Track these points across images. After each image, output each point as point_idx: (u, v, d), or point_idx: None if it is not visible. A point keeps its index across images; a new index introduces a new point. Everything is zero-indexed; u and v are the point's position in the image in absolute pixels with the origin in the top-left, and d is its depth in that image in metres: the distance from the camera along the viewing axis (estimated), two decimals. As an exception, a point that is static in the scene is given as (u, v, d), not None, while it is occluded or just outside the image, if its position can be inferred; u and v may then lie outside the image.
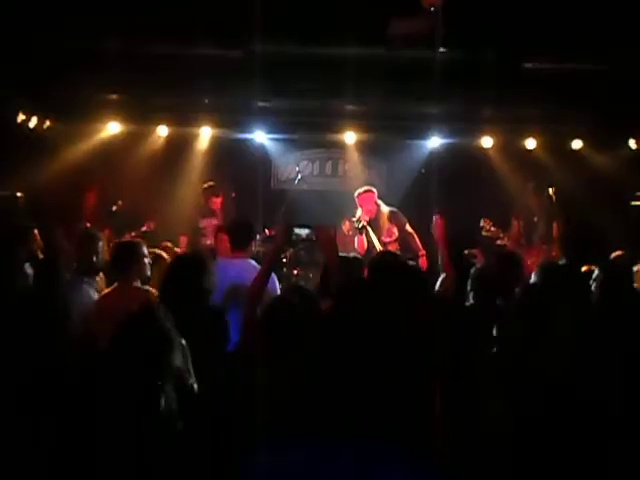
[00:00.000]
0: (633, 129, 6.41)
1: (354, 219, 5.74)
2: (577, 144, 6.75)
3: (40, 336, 2.25)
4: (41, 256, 3.93)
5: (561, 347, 2.38)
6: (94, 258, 3.43)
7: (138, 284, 3.20)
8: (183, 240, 6.23)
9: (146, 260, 3.30)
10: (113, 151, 6.67)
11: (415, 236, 5.74)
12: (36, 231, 4.05)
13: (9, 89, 5.44)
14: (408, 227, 5.75)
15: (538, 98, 5.67)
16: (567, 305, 2.95)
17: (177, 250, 4.91)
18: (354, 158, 7.47)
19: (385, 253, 4.30)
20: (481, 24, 4.87)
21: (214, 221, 6.26)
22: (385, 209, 5.77)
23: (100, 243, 3.51)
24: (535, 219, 6.36)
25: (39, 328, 2.32)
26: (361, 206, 5.71)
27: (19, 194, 5.76)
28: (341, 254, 3.54)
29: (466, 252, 5.40)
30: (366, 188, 5.83)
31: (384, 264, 2.93)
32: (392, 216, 5.74)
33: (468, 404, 2.20)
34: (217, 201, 6.45)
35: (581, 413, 2.11)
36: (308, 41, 5.26)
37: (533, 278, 3.37)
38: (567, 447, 2.11)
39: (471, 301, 3.26)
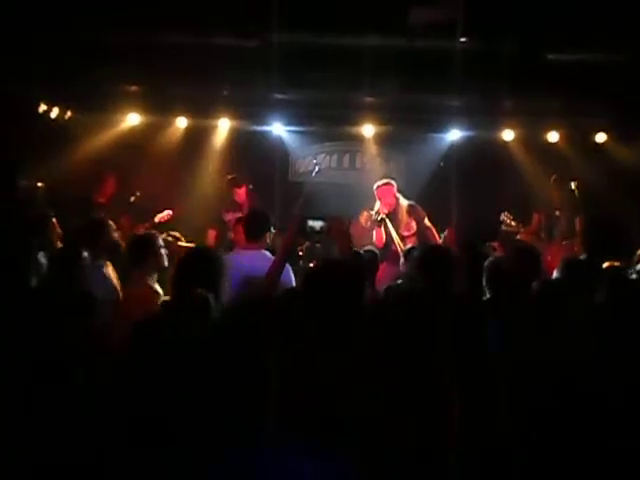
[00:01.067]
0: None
1: (373, 211, 5.71)
2: (601, 137, 6.61)
3: (53, 325, 2.27)
4: (60, 245, 3.98)
5: (577, 343, 2.33)
6: (104, 244, 3.49)
7: (154, 278, 3.24)
8: (212, 233, 6.23)
9: (163, 251, 3.34)
10: (133, 142, 6.72)
11: (434, 230, 5.68)
12: (54, 220, 4.09)
13: (31, 80, 5.51)
14: (427, 221, 5.69)
15: (561, 90, 5.56)
16: (584, 300, 2.90)
17: (181, 242, 4.95)
18: (372, 151, 7.41)
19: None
20: (503, 14, 4.77)
21: (239, 214, 6.19)
22: (404, 202, 5.72)
23: (109, 229, 3.57)
24: (557, 213, 6.25)
25: (54, 317, 2.35)
26: (380, 199, 5.67)
27: (39, 184, 5.85)
28: (355, 248, 3.51)
29: (486, 245, 5.33)
30: (385, 181, 5.78)
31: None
32: (411, 210, 5.68)
33: (479, 401, 2.16)
34: (240, 192, 6.43)
35: (593, 410, 2.06)
36: (326, 31, 5.22)
37: (555, 273, 3.30)
38: (582, 445, 2.07)
39: (487, 295, 3.22)
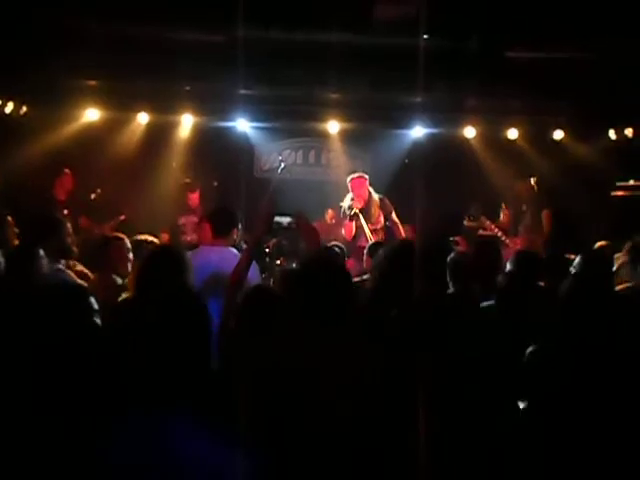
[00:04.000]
0: (613, 119, 6.47)
1: (345, 205, 5.72)
2: (558, 134, 6.80)
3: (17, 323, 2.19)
4: (16, 242, 3.84)
5: (536, 334, 2.39)
6: (64, 244, 3.42)
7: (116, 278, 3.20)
8: (164, 237, 6.15)
9: (129, 255, 3.32)
10: (92, 138, 6.54)
11: (400, 226, 5.74)
12: (10, 218, 3.95)
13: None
14: (394, 216, 5.76)
15: (520, 88, 5.68)
16: (542, 292, 2.98)
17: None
18: (337, 147, 7.43)
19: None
20: (466, 11, 4.84)
21: (193, 218, 6.25)
22: (375, 196, 5.77)
23: (67, 229, 3.50)
24: (523, 208, 6.38)
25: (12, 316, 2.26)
26: (353, 190, 5.70)
27: (-7, 180, 5.63)
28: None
29: (449, 239, 5.42)
30: (358, 174, 5.83)
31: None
32: (382, 203, 5.75)
33: (448, 399, 2.19)
34: (194, 197, 6.43)
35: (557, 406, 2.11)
36: (292, 27, 5.19)
37: (508, 266, 3.38)
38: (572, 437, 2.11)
39: (451, 289, 3.27)
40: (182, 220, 6.27)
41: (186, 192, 6.42)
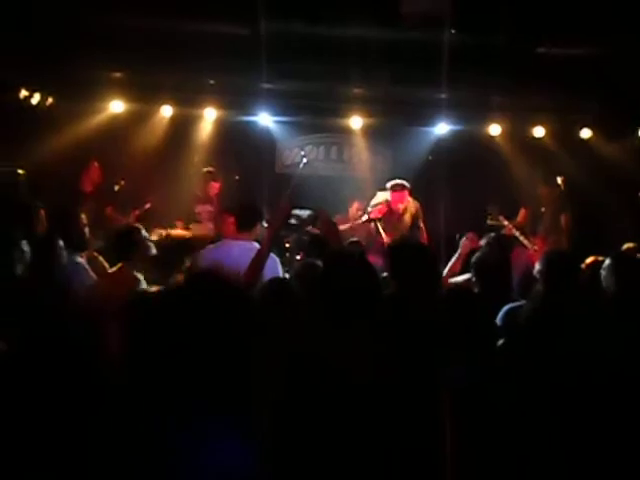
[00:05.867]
0: (642, 118, 6.33)
1: (372, 202, 5.74)
2: (586, 133, 6.67)
3: (38, 313, 2.20)
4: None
5: (569, 338, 2.33)
6: (83, 235, 3.47)
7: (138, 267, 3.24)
8: (179, 224, 6.22)
9: (148, 242, 3.34)
10: (117, 130, 6.60)
11: (424, 233, 5.78)
12: (42, 211, 3.99)
13: (12, 65, 5.35)
14: (421, 223, 5.80)
15: (548, 85, 5.58)
16: (574, 296, 2.91)
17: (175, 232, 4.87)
18: (360, 143, 7.38)
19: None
20: (494, 7, 4.76)
21: (209, 207, 6.32)
22: (412, 205, 5.81)
23: (82, 221, 3.57)
24: (542, 209, 6.28)
25: (35, 305, 2.28)
26: (391, 200, 5.68)
27: (20, 171, 5.70)
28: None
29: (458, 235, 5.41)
30: (401, 183, 5.75)
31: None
32: (416, 212, 5.81)
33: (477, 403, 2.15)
34: (215, 186, 6.46)
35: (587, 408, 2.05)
36: (316, 21, 5.16)
37: (537, 266, 3.31)
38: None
39: (475, 289, 3.23)
40: (198, 208, 6.34)
41: (208, 180, 6.44)
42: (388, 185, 5.76)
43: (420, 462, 1.98)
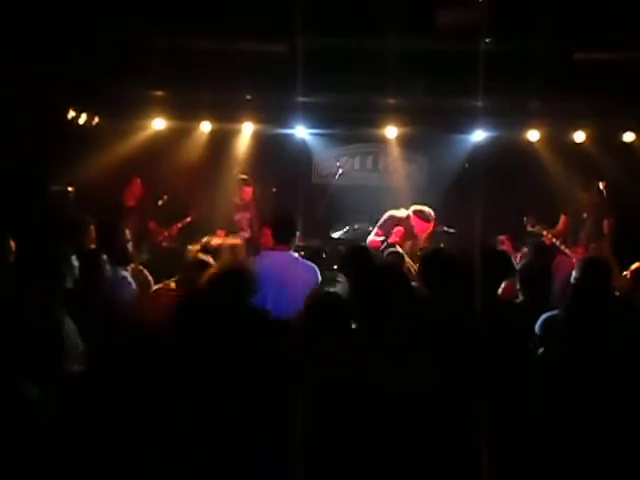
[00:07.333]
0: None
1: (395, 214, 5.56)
2: (629, 137, 6.50)
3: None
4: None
5: (605, 346, 2.30)
6: (125, 250, 3.59)
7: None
8: (220, 234, 6.34)
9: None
10: (159, 147, 6.83)
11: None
12: (92, 227, 4.15)
13: (60, 87, 5.63)
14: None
15: (587, 90, 5.47)
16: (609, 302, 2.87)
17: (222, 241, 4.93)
18: (395, 153, 7.39)
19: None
20: (528, 14, 4.73)
21: (247, 215, 6.50)
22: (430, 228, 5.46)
23: (125, 235, 3.68)
24: (584, 216, 6.14)
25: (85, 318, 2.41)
26: (414, 227, 5.32)
27: (70, 188, 5.97)
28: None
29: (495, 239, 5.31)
30: (427, 215, 5.35)
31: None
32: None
33: (515, 407, 2.14)
34: (248, 191, 6.59)
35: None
36: (349, 33, 5.22)
37: (574, 274, 3.27)
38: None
39: (520, 298, 3.23)
40: (237, 216, 6.52)
41: (241, 186, 6.60)
42: (415, 209, 5.41)
43: (458, 473, 1.99)
